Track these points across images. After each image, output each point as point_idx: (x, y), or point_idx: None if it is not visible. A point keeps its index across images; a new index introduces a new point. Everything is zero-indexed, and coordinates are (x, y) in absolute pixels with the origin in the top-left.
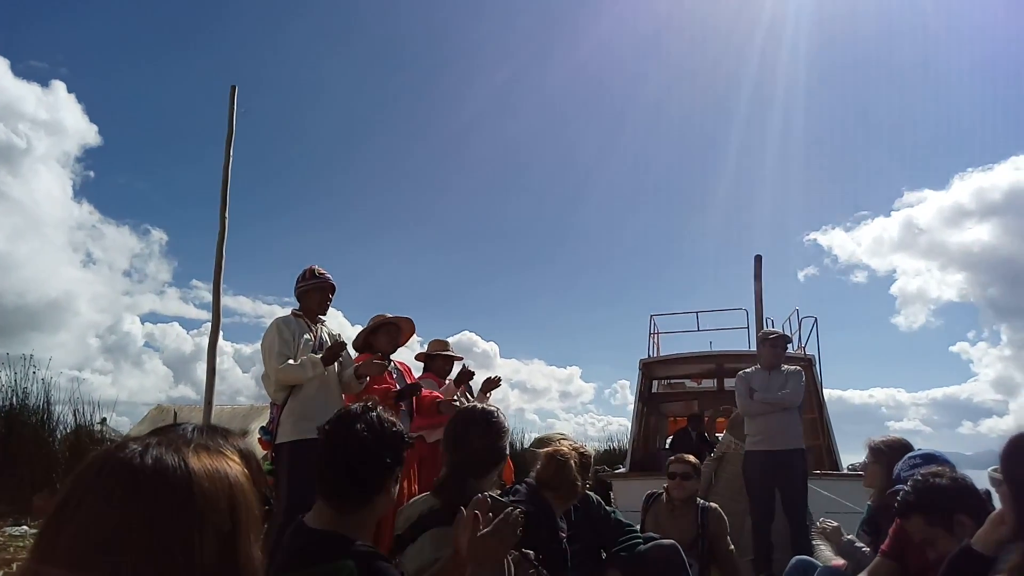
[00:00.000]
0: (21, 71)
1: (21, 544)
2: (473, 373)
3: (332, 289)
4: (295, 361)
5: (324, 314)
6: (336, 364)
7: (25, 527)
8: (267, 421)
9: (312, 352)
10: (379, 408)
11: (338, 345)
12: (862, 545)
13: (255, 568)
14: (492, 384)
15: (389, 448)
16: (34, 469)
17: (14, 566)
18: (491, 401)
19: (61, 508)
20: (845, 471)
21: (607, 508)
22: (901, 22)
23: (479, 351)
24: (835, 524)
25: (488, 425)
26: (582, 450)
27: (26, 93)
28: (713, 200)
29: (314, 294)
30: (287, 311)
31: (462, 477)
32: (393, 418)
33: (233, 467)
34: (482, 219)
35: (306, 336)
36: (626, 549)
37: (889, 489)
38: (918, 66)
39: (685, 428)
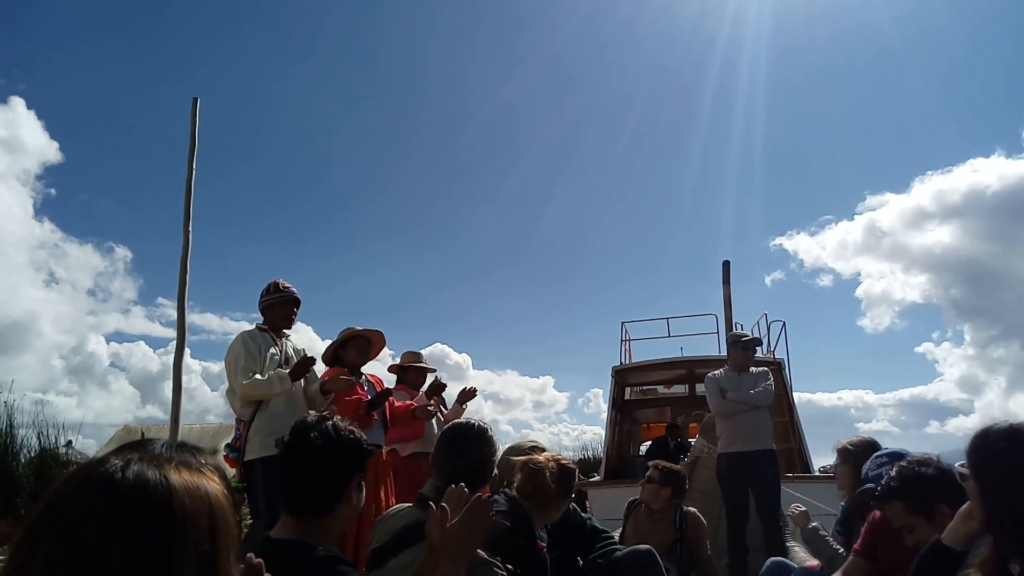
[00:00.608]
0: None
1: None
2: (445, 385)
3: (297, 303)
4: (262, 376)
5: (289, 328)
6: (302, 379)
7: None
8: (232, 438)
9: (278, 367)
10: (335, 417)
11: (307, 360)
12: (827, 534)
13: None
14: (468, 395)
15: (345, 455)
16: None
17: None
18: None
19: (37, 522)
20: (816, 473)
21: (583, 515)
22: (856, 27)
23: (451, 363)
24: (804, 509)
25: (482, 439)
26: (563, 461)
27: None
28: (678, 206)
29: (279, 308)
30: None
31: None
32: (351, 426)
33: (212, 485)
34: (451, 230)
35: (272, 350)
36: (603, 556)
37: (858, 489)
38: (874, 71)
39: (663, 436)
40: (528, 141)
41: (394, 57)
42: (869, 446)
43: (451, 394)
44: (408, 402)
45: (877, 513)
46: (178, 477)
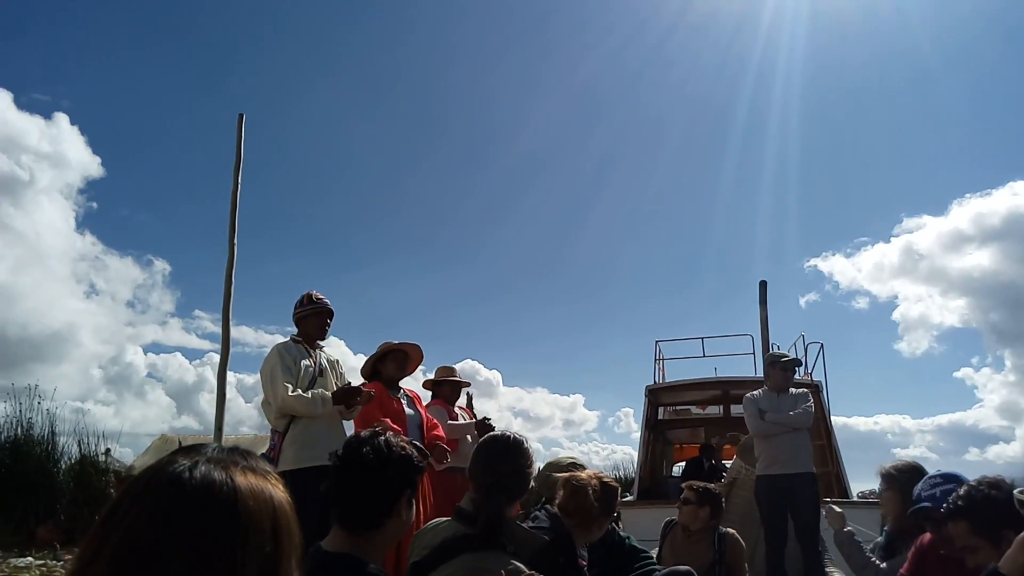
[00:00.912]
0: (24, 103)
1: (27, 575)
2: (492, 427)
3: (330, 314)
4: (304, 391)
5: (323, 339)
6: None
7: (30, 558)
8: (268, 448)
9: (313, 379)
10: (388, 433)
11: (353, 390)
12: (861, 540)
13: None
14: (486, 428)
15: (396, 472)
16: (38, 500)
17: None
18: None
19: (107, 519)
20: (855, 498)
21: (621, 534)
22: (893, 47)
23: (482, 379)
24: (841, 511)
25: (518, 450)
26: (606, 479)
27: (29, 126)
28: (712, 226)
29: (313, 319)
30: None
31: (495, 501)
32: (403, 442)
33: (277, 491)
34: (483, 245)
35: (305, 362)
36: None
37: (909, 510)
38: (911, 91)
39: (698, 456)
40: (562, 158)
41: (427, 71)
42: (915, 470)
43: (482, 409)
44: (440, 434)
45: (927, 537)
46: (244, 480)
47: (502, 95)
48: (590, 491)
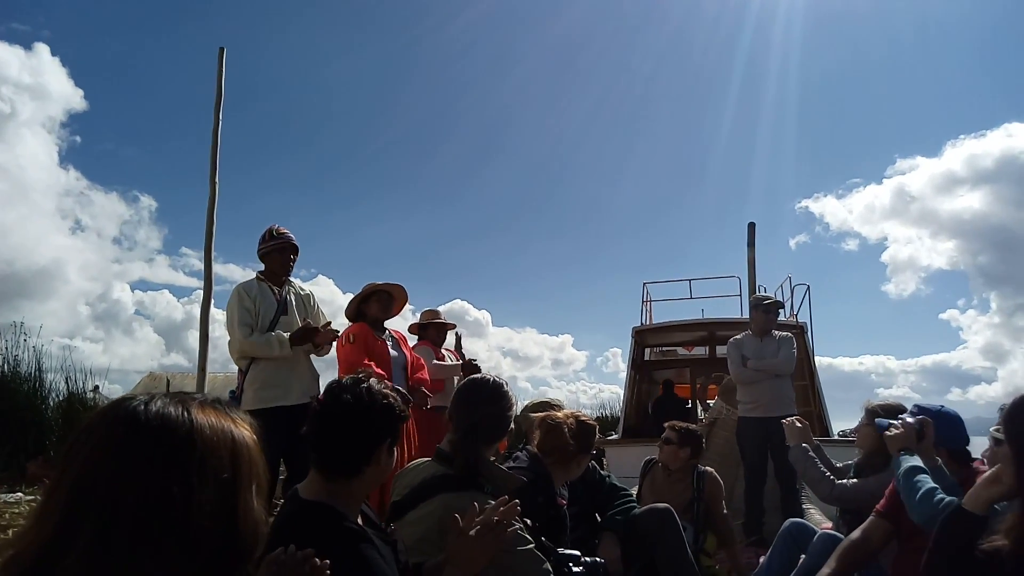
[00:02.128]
0: (2, 34)
1: (16, 511)
2: (479, 368)
3: (294, 249)
4: (259, 332)
5: (287, 275)
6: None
7: (20, 494)
8: (235, 386)
9: (275, 317)
10: (371, 380)
11: (310, 330)
12: (815, 457)
13: (255, 520)
14: (472, 369)
15: (378, 420)
16: (27, 436)
17: (10, 532)
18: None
19: (68, 451)
20: (836, 437)
21: (601, 472)
22: None
23: (471, 319)
24: (803, 425)
25: (498, 393)
26: (582, 417)
27: (8, 56)
28: (706, 167)
29: (276, 255)
30: None
31: (472, 443)
32: (386, 390)
33: (240, 428)
34: (473, 186)
35: (267, 301)
36: (621, 513)
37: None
38: (910, 32)
39: (662, 395)
40: (552, 96)
41: (420, 7)
42: (899, 411)
43: (471, 349)
44: (424, 377)
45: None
46: (201, 413)
47: (492, 30)
48: (565, 429)
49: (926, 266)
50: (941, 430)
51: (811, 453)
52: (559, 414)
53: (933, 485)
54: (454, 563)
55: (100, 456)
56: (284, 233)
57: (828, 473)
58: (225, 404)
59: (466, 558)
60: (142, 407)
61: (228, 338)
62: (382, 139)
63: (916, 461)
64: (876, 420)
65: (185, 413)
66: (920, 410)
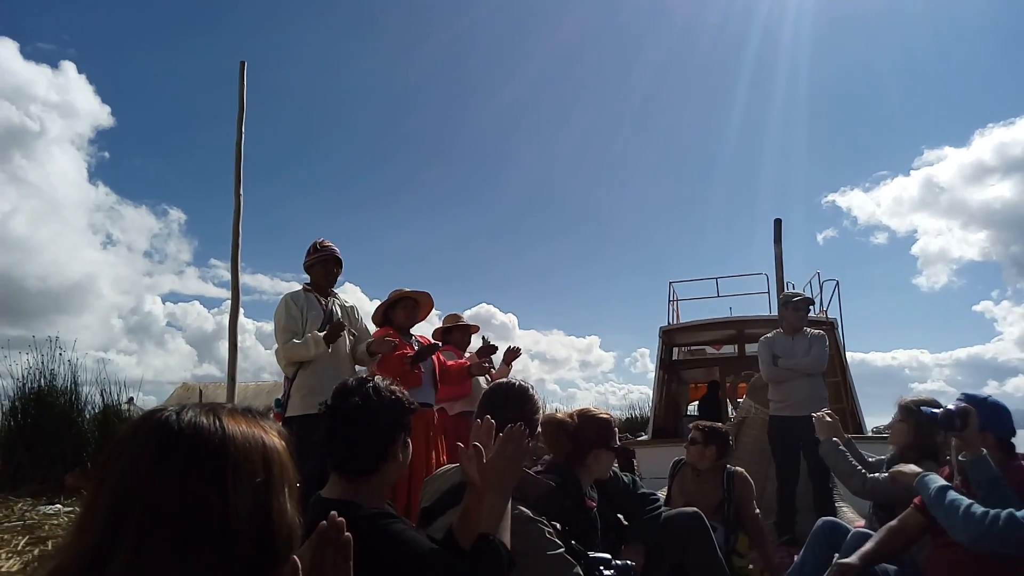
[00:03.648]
0: (30, 53)
1: (55, 522)
2: (495, 347)
3: (337, 262)
4: (299, 339)
5: (332, 286)
6: (350, 337)
7: (59, 505)
8: (282, 394)
9: (321, 326)
10: (376, 378)
11: (338, 325)
12: (846, 452)
13: (289, 522)
14: (513, 354)
15: (388, 416)
16: (64, 448)
17: (50, 544)
18: (512, 372)
19: (105, 461)
20: (870, 434)
21: (625, 480)
22: None
23: (497, 323)
24: (833, 420)
25: (523, 397)
26: (591, 412)
27: (36, 75)
28: (728, 164)
29: (319, 267)
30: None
31: None
32: (393, 386)
33: (270, 435)
34: (497, 192)
35: (313, 311)
36: (650, 522)
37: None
38: (933, 19)
39: (707, 393)
40: (575, 100)
41: (436, 15)
42: (934, 406)
43: (498, 354)
44: (462, 360)
45: (945, 471)
46: (232, 422)
47: (507, 29)
48: (566, 423)
49: (957, 258)
50: (989, 416)
51: (842, 447)
52: (562, 413)
53: (969, 500)
54: (492, 489)
55: (137, 467)
56: (328, 246)
57: (859, 467)
58: (255, 412)
59: (500, 477)
60: (174, 417)
61: (262, 347)
62: (406, 144)
63: (939, 480)
64: (922, 408)
65: (217, 421)
66: (967, 398)
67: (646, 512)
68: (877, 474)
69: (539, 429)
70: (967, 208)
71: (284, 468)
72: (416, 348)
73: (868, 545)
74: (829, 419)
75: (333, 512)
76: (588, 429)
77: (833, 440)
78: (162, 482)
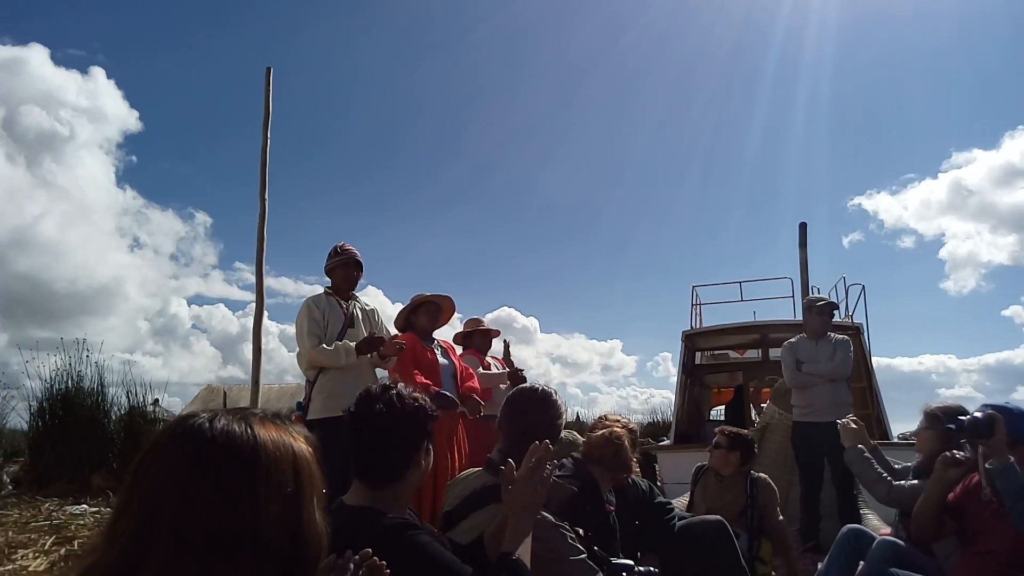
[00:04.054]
0: (60, 59)
1: (82, 523)
2: (524, 378)
3: (358, 265)
4: (327, 344)
5: (352, 289)
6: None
7: (85, 506)
8: (303, 397)
9: (342, 330)
10: (399, 385)
11: (376, 339)
12: (872, 459)
13: (318, 530)
14: (518, 379)
15: (410, 424)
16: (91, 449)
17: (76, 544)
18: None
19: (138, 467)
20: (895, 440)
21: (643, 487)
22: None
23: (519, 326)
24: (858, 427)
25: (546, 402)
26: (631, 426)
27: (66, 81)
28: (752, 166)
29: (339, 271)
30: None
31: (521, 453)
32: (416, 393)
33: (300, 443)
34: (518, 194)
35: (335, 314)
36: (666, 532)
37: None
38: (959, 18)
39: (733, 399)
40: (594, 106)
41: (474, 12)
42: (960, 413)
43: (519, 356)
44: (475, 384)
45: (975, 477)
46: (263, 430)
47: (537, 39)
48: (627, 444)
49: (986, 262)
50: (1016, 425)
51: (867, 454)
52: (619, 430)
53: None
54: (514, 511)
55: (170, 474)
56: (348, 250)
57: (885, 474)
58: (284, 419)
59: (524, 501)
60: (207, 425)
61: (286, 350)
62: (431, 148)
63: (1021, 476)
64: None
65: (248, 430)
66: (990, 407)
67: (662, 522)
68: (903, 482)
69: (562, 433)
70: (996, 211)
71: (313, 476)
72: (438, 353)
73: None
74: (854, 426)
75: (368, 550)
76: (634, 446)
77: (858, 447)
78: (195, 490)
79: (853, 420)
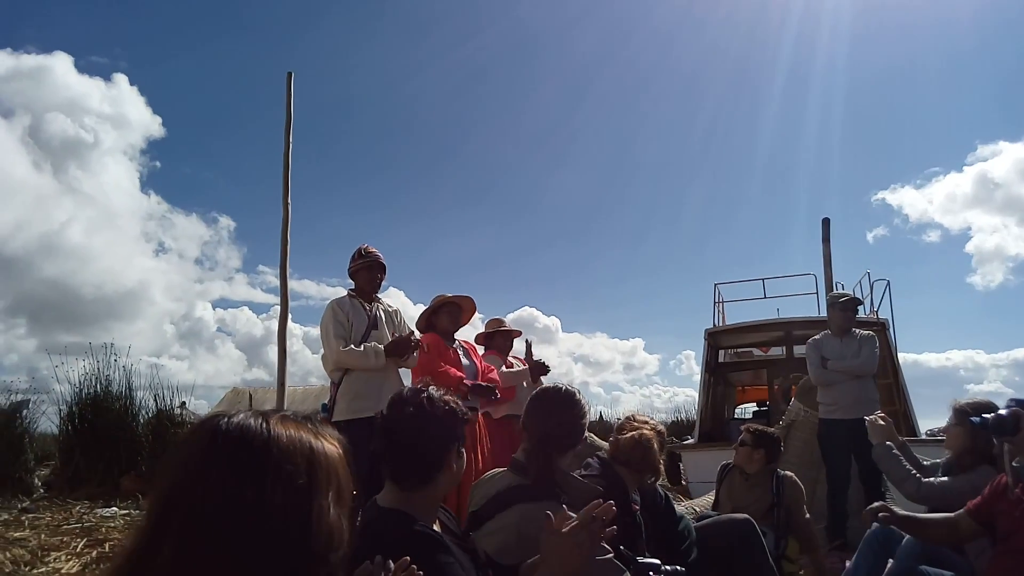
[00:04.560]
0: (83, 67)
1: (112, 525)
2: (548, 368)
3: (381, 268)
4: (357, 345)
5: (375, 292)
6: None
7: (115, 508)
8: (328, 399)
9: (366, 331)
10: (431, 388)
11: (406, 341)
12: (900, 456)
13: (329, 525)
14: (542, 371)
15: (441, 427)
16: (119, 452)
17: (107, 546)
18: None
19: (164, 463)
20: (923, 436)
21: (662, 495)
22: None
23: (540, 326)
24: (886, 423)
25: (571, 402)
26: (659, 428)
27: (90, 88)
28: (772, 161)
29: (364, 273)
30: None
31: (546, 452)
32: (447, 396)
33: (324, 442)
34: (539, 192)
35: (359, 316)
36: (678, 542)
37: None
38: (981, 9)
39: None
40: (610, 102)
41: (489, 17)
42: (988, 409)
43: (541, 356)
44: (499, 381)
45: (1003, 478)
46: (280, 426)
47: (549, 41)
48: (655, 446)
49: (1014, 255)
50: None
51: (895, 451)
52: (648, 432)
53: None
54: (547, 563)
55: (183, 467)
56: (372, 252)
57: (914, 471)
58: (312, 420)
59: (558, 558)
60: (224, 421)
61: (310, 352)
62: (452, 150)
63: None
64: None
65: (263, 424)
66: (1016, 403)
67: (676, 533)
68: (933, 479)
69: (586, 433)
70: (1023, 204)
71: (331, 474)
72: (460, 353)
73: (920, 516)
74: (882, 422)
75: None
76: (663, 448)
77: (887, 444)
78: (204, 479)
79: (881, 416)
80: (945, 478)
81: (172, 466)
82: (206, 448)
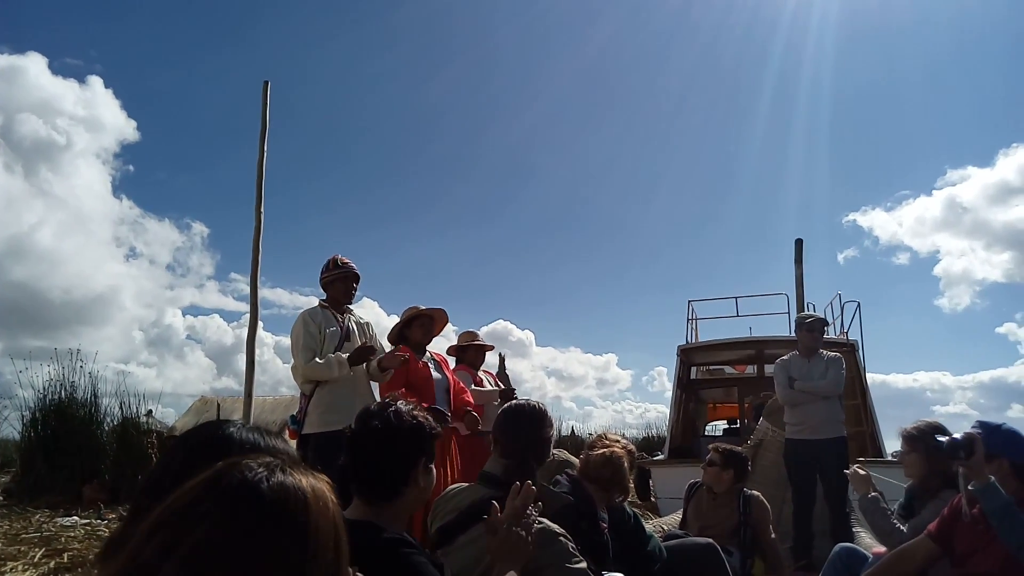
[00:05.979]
0: (58, 68)
1: (72, 534)
2: (515, 396)
3: (356, 278)
4: (320, 357)
5: (350, 303)
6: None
7: (75, 518)
8: (296, 411)
9: (341, 342)
10: (399, 402)
11: (366, 349)
12: (887, 507)
13: None
14: (509, 396)
15: (409, 441)
16: (83, 460)
17: (65, 556)
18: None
19: (181, 516)
20: (890, 458)
21: (630, 513)
22: None
23: (514, 339)
24: (866, 473)
25: (544, 420)
26: (630, 448)
27: (64, 90)
28: (749, 181)
29: (339, 284)
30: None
31: (530, 468)
32: (415, 411)
33: (331, 496)
34: (513, 206)
35: (331, 328)
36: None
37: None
38: (955, 35)
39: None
40: (597, 119)
41: (461, 31)
42: (936, 430)
43: (515, 369)
44: (468, 399)
45: (958, 500)
46: (312, 493)
47: (531, 48)
48: (626, 464)
49: (981, 279)
50: (1006, 442)
51: (883, 503)
52: (618, 450)
53: None
54: (500, 559)
55: (220, 536)
56: (347, 263)
57: (898, 524)
58: (296, 464)
59: (507, 552)
60: (264, 484)
61: (280, 361)
62: (427, 159)
63: (1004, 494)
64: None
65: (301, 494)
66: (982, 425)
67: (645, 552)
68: (904, 527)
69: (554, 449)
70: (991, 229)
71: (345, 540)
72: (431, 366)
73: (873, 569)
74: (863, 472)
75: None
76: (632, 467)
77: (873, 496)
78: (245, 561)
79: (859, 467)
80: (910, 520)
81: (198, 526)
82: (245, 519)
